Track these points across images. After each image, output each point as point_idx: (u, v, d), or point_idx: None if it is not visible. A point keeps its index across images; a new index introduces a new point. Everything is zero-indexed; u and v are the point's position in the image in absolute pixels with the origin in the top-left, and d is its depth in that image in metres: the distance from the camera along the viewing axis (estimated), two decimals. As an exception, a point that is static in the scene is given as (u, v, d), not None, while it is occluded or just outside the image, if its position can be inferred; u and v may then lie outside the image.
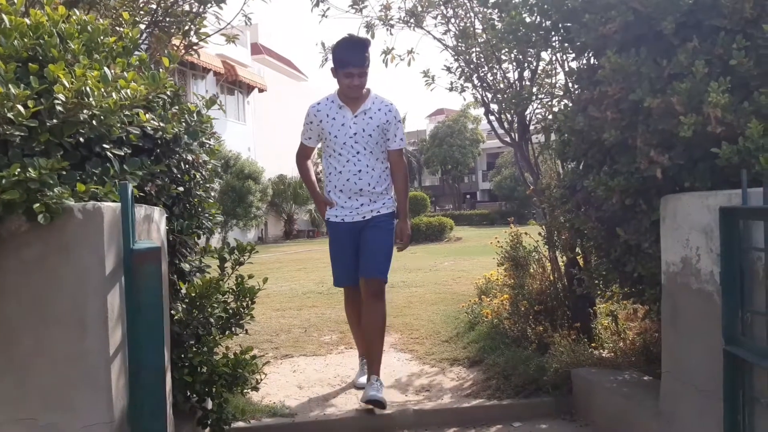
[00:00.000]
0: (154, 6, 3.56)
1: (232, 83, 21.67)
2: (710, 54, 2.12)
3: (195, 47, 3.72)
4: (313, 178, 3.70)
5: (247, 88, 22.92)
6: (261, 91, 23.44)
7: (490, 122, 4.67)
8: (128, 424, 1.45)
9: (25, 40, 1.73)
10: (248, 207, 19.86)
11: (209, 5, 3.57)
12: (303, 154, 3.67)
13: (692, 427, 2.15)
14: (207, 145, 2.54)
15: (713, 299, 1.97)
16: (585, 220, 2.95)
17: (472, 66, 4.48)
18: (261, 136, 23.38)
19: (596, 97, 2.55)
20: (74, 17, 2.05)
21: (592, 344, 3.75)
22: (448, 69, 4.61)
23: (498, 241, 4.89)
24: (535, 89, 4.00)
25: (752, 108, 2.01)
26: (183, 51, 3.44)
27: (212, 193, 2.78)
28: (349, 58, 3.25)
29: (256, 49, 25.08)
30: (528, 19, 3.22)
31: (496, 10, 3.64)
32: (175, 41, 3.69)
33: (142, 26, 3.43)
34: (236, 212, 19.26)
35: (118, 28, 2.50)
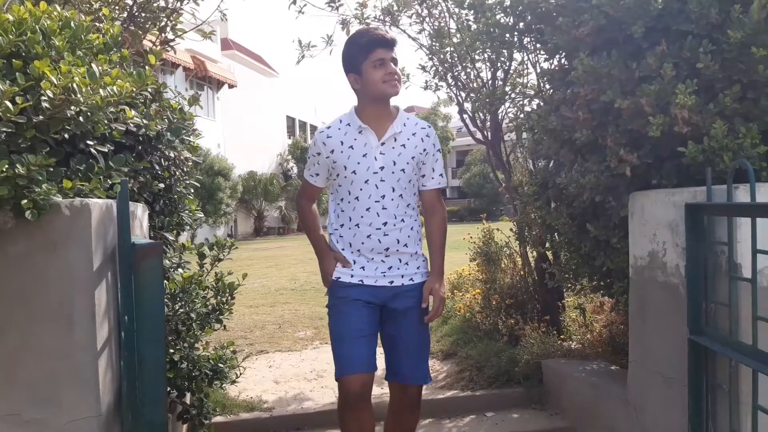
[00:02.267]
0: (129, 1, 3.53)
1: (202, 79, 21.40)
2: (678, 57, 2.22)
3: (170, 43, 3.70)
4: (319, 227, 2.52)
5: (216, 84, 22.66)
6: (231, 86, 23.20)
7: (463, 120, 4.75)
8: (128, 413, 1.47)
9: (9, 36, 1.73)
10: (218, 204, 19.69)
11: (186, 1, 3.57)
12: (307, 196, 2.55)
13: (659, 413, 2.25)
14: (188, 142, 2.55)
15: (679, 291, 2.07)
16: (556, 216, 3.04)
17: (446, 65, 4.55)
18: (231, 132, 23.15)
19: (568, 98, 2.65)
20: (55, 13, 2.05)
21: (561, 336, 3.86)
22: (423, 68, 4.67)
23: (471, 237, 4.98)
24: (507, 89, 4.09)
25: (717, 109, 2.11)
26: (159, 47, 3.42)
27: (191, 190, 2.80)
28: (374, 39, 2.24)
29: (226, 44, 24.80)
30: (502, 21, 3.30)
31: (472, 11, 3.72)
32: (150, 37, 3.68)
33: (117, 22, 3.40)
34: (206, 209, 19.06)
35: (97, 24, 2.50)
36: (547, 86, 3.37)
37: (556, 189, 2.95)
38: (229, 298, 2.78)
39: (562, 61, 3.07)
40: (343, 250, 2.34)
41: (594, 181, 2.51)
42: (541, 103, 3.47)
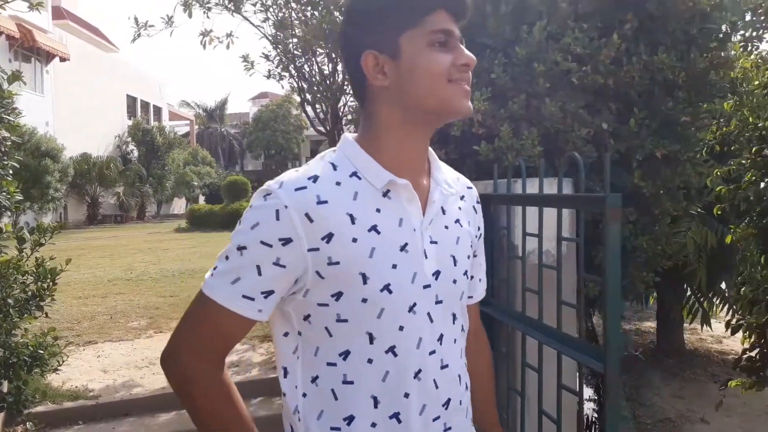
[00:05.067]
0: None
1: (29, 50, 19.40)
2: (478, 67, 2.55)
3: (-12, 12, 3.44)
4: (247, 419, 0.96)
5: (46, 56, 20.65)
6: (63, 60, 21.27)
7: (305, 111, 4.92)
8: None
9: None
10: (45, 188, 18.02)
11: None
12: (215, 349, 0.96)
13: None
14: (7, 121, 2.45)
15: (473, 270, 2.40)
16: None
17: (289, 56, 4.67)
18: (62, 109, 21.26)
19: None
20: None
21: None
22: (267, 57, 4.75)
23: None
24: (346, 83, 4.31)
25: (506, 114, 2.48)
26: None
27: (11, 171, 2.67)
28: None
29: (59, 13, 22.67)
30: (338, 19, 3.50)
31: (309, 7, 3.87)
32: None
33: None
34: (30, 194, 17.34)
35: None
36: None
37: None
38: (51, 283, 2.70)
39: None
40: None
41: (411, 173, 2.80)
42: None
